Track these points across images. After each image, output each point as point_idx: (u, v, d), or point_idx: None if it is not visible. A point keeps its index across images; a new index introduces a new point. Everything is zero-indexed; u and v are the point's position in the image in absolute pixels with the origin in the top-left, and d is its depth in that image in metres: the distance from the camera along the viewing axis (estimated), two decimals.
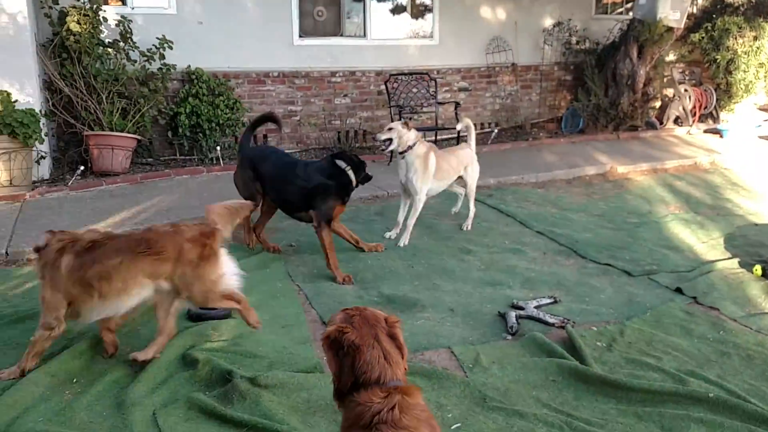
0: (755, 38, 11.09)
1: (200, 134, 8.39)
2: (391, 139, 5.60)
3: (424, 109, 9.61)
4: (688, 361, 3.71)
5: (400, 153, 5.65)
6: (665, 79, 11.40)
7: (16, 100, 6.88)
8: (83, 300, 3.35)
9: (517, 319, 4.11)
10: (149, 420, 3.07)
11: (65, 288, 3.31)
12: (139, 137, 7.96)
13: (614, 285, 4.88)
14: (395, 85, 9.33)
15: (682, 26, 10.59)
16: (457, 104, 9.24)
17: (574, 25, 11.07)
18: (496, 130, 10.45)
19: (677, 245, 5.77)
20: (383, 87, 9.53)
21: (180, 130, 8.33)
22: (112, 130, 7.69)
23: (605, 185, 8.01)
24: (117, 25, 7.95)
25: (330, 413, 3.09)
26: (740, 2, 11.57)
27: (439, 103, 9.60)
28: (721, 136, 10.66)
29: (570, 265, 5.31)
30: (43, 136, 7.08)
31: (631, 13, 11.01)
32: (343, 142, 9.67)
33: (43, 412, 3.12)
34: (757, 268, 4.99)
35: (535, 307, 4.31)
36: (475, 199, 6.46)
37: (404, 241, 5.71)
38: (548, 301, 4.47)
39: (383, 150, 5.83)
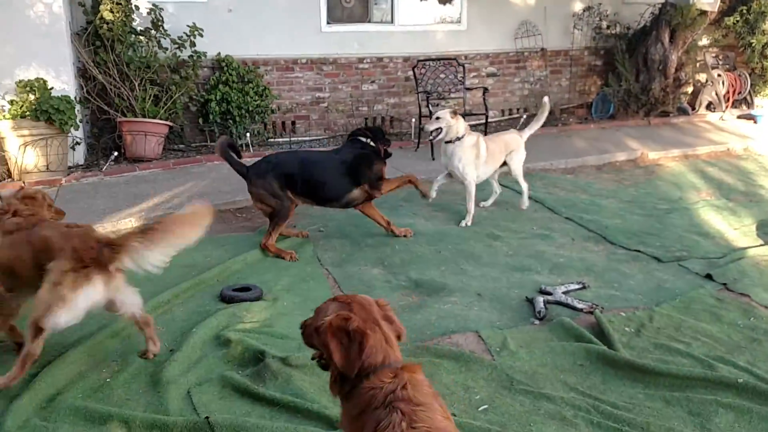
0: None
1: (230, 121, 8.49)
2: (440, 128, 5.71)
3: (452, 95, 9.58)
4: (717, 347, 3.69)
5: (447, 142, 5.77)
6: (698, 64, 11.19)
7: (52, 87, 7.04)
8: None
9: (545, 304, 4.13)
10: (184, 397, 3.17)
11: None
12: (171, 124, 8.09)
13: (643, 271, 4.86)
14: (423, 71, 9.31)
15: (716, 9, 10.35)
16: (485, 90, 9.19)
17: (604, 10, 10.90)
18: (525, 116, 10.38)
19: (708, 232, 5.71)
20: (410, 73, 9.52)
21: (210, 117, 8.44)
22: (144, 116, 7.83)
23: (636, 171, 7.93)
24: (148, 14, 8.06)
25: None
26: None
27: (467, 89, 9.56)
28: (755, 122, 10.44)
29: (599, 251, 5.29)
30: (78, 122, 7.24)
31: None
32: None
33: (81, 389, 3.24)
34: None
35: (563, 293, 4.32)
36: (503, 185, 6.47)
37: (467, 221, 5.85)
38: (576, 286, 4.47)
39: (431, 140, 5.87)
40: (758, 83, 11.33)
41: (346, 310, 2.03)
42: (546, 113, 6.26)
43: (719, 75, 11.02)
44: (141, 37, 8.03)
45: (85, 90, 7.90)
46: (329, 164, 5.28)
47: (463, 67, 9.56)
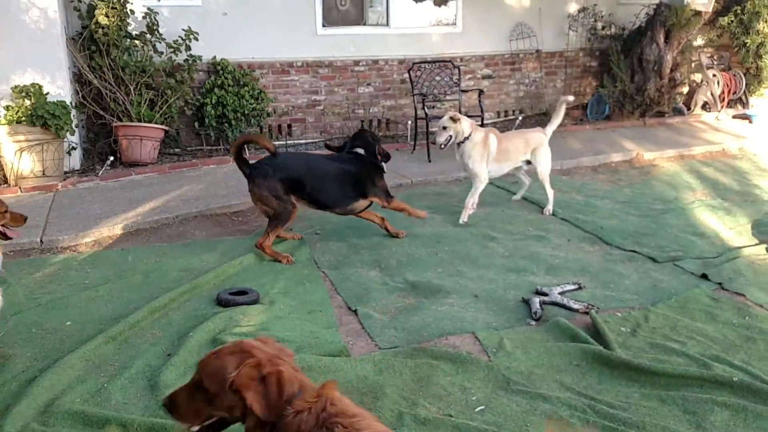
0: None
1: (226, 124, 8.50)
2: (450, 136, 5.88)
3: (448, 97, 9.60)
4: (712, 346, 3.71)
5: (458, 144, 5.92)
6: (693, 65, 11.23)
7: (47, 93, 7.04)
8: None
9: (541, 305, 4.14)
10: None
11: None
12: (166, 128, 8.09)
13: (639, 271, 4.88)
14: (418, 73, 9.33)
15: (710, 10, 10.39)
16: (480, 92, 9.21)
17: (599, 11, 10.94)
18: (520, 118, 10.41)
19: (703, 231, 5.73)
20: (406, 75, 9.55)
21: (206, 121, 8.44)
22: (140, 121, 7.83)
23: (631, 172, 7.96)
24: (144, 18, 8.07)
25: (356, 396, 3.16)
26: None
27: (463, 91, 9.58)
28: (751, 122, 10.48)
29: (594, 252, 5.31)
30: (74, 127, 7.24)
31: None
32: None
33: (79, 393, 3.24)
34: None
35: (559, 293, 4.33)
36: (499, 187, 6.49)
37: (463, 218, 5.92)
38: (572, 287, 4.49)
39: (442, 147, 6.02)
40: (753, 83, 11.36)
41: (246, 357, 1.93)
42: (563, 109, 6.34)
43: (714, 75, 11.06)
44: (136, 42, 8.04)
45: (80, 95, 7.90)
46: (334, 171, 5.31)
47: (459, 69, 9.59)
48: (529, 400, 3.18)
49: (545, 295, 4.32)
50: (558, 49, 11.05)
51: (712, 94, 11.06)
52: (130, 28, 7.97)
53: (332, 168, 5.32)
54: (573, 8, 10.94)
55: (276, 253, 5.09)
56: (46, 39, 7.29)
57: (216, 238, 5.66)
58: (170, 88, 8.16)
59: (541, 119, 10.82)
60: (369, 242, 5.42)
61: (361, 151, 5.44)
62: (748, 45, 11.07)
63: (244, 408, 1.89)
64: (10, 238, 3.79)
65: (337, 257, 5.18)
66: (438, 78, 9.39)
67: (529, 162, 6.26)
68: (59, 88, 7.34)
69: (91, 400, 3.19)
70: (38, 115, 6.75)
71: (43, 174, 6.98)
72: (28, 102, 6.88)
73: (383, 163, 5.52)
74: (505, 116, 10.80)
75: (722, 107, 11.07)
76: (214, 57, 8.58)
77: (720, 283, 4.58)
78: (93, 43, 7.78)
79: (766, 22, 10.87)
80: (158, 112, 8.03)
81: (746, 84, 11.32)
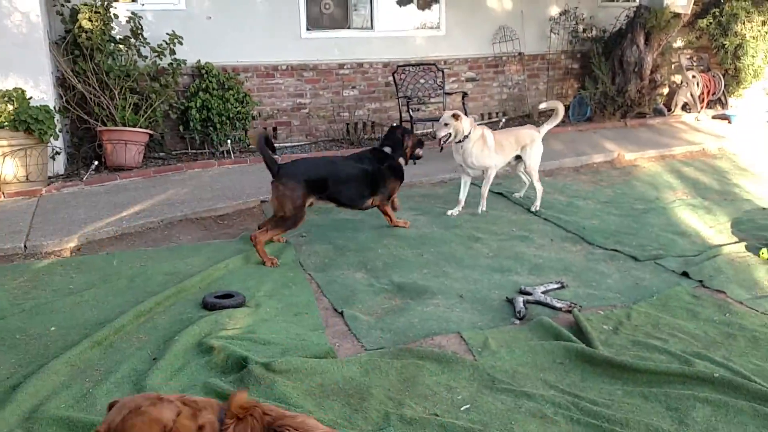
0: (763, 23, 11.03)
1: (211, 128, 8.49)
2: (449, 133, 6.00)
3: (432, 100, 9.66)
4: (694, 343, 3.77)
5: (457, 142, 6.06)
6: (673, 66, 11.37)
7: (30, 97, 7.00)
8: None
9: (524, 304, 4.19)
10: None
11: None
12: (151, 132, 8.07)
13: (621, 270, 4.94)
14: (403, 76, 9.38)
15: (689, 12, 10.56)
16: (464, 94, 9.28)
17: (580, 13, 11.06)
18: (503, 120, 10.49)
19: (684, 230, 5.82)
20: (391, 78, 9.59)
21: (191, 125, 8.43)
22: (124, 125, 7.80)
23: (612, 172, 8.05)
24: (128, 22, 8.05)
25: (343, 397, 3.18)
26: None
27: (447, 94, 9.63)
28: (730, 122, 10.64)
29: (577, 252, 5.37)
30: (57, 132, 7.19)
31: (637, 0, 10.99)
32: (352, 134, 9.73)
33: (64, 399, 3.22)
34: (764, 252, 5.04)
35: (543, 292, 4.38)
36: (474, 185, 6.57)
37: (482, 207, 6.24)
38: (555, 286, 4.54)
39: (443, 144, 6.21)
40: (731, 84, 11.52)
41: (161, 409, 1.77)
42: (562, 111, 6.47)
43: (694, 76, 11.21)
44: (120, 46, 8.01)
45: (64, 99, 7.85)
46: (353, 172, 5.46)
47: (443, 72, 9.65)
48: (514, 398, 3.21)
49: (529, 294, 4.37)
50: (540, 51, 11.15)
51: (691, 95, 11.21)
52: (113, 33, 7.94)
53: (351, 170, 5.48)
54: (555, 11, 11.05)
55: (264, 252, 5.10)
56: (29, 43, 7.25)
57: (201, 241, 5.65)
58: (155, 92, 8.13)
59: (523, 121, 10.91)
60: (355, 244, 5.45)
61: (388, 150, 5.66)
62: (726, 46, 11.23)
63: None
64: None
65: (323, 259, 5.20)
66: (422, 81, 9.45)
67: (518, 157, 6.39)
68: (42, 92, 7.30)
69: (77, 406, 3.17)
70: (21, 120, 6.71)
71: (27, 179, 6.93)
72: (10, 107, 6.83)
73: (413, 162, 5.80)
74: (489, 118, 10.87)
75: (702, 108, 11.22)
76: (199, 61, 8.58)
77: (701, 281, 4.65)
78: (76, 48, 7.75)
79: (743, 24, 11.03)
80: (143, 116, 8.01)
81: (725, 85, 11.48)
